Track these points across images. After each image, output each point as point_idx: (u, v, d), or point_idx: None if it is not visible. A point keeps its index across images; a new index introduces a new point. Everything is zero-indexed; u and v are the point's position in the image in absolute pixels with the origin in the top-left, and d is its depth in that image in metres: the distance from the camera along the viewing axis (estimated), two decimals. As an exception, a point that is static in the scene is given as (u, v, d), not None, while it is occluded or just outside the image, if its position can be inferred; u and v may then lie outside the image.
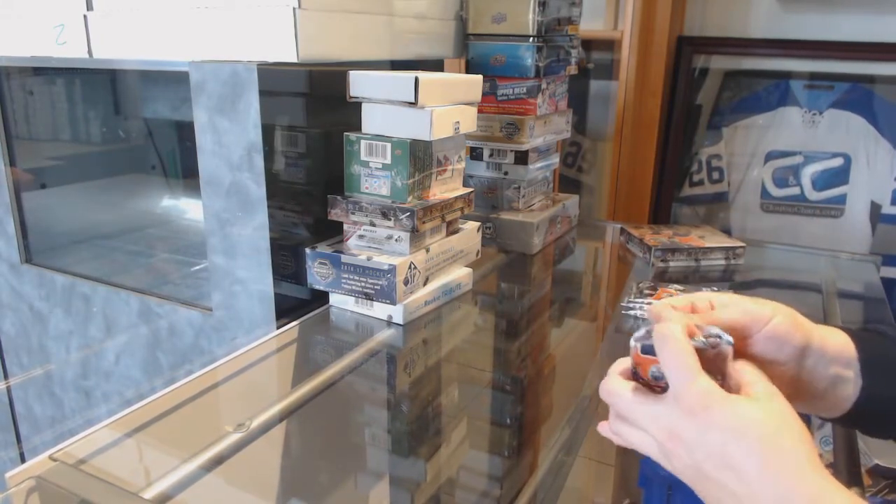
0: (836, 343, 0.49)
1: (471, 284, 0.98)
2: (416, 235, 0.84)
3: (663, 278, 1.05)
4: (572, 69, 1.20)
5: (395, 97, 0.82)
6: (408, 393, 0.76)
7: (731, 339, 0.44)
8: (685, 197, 1.76)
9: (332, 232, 0.90)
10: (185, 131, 1.30)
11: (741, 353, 0.47)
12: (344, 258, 0.84)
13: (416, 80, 0.80)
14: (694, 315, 0.47)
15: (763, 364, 0.47)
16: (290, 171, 0.86)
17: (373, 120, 0.85)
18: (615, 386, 0.45)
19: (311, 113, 0.89)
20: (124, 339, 1.04)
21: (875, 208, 1.58)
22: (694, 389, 0.41)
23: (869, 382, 0.48)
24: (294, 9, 0.74)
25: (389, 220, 0.84)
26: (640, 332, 0.44)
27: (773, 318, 0.47)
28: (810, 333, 0.48)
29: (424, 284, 0.88)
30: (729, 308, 0.48)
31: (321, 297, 0.90)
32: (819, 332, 0.49)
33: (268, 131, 0.81)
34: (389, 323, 0.87)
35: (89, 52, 0.90)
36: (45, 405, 1.21)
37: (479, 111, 1.01)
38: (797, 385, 0.49)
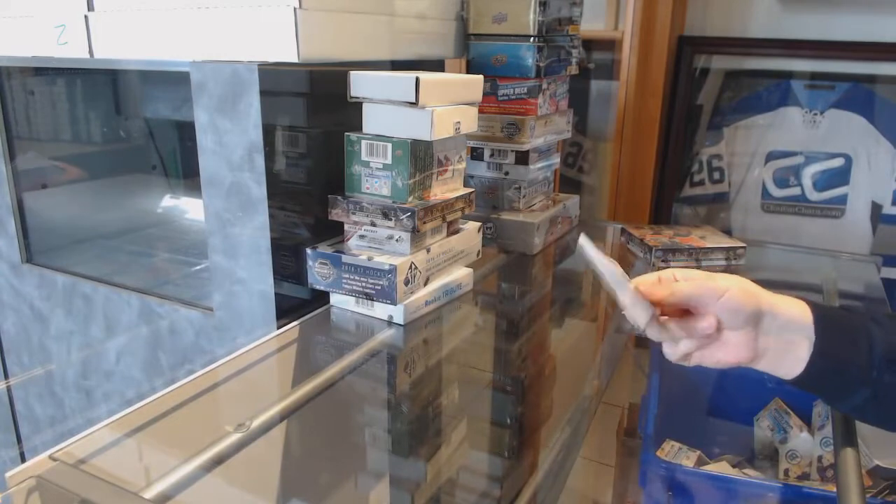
0: (790, 311, 0.55)
1: (471, 285, 0.98)
2: (416, 235, 0.84)
3: (664, 278, 1.05)
4: (573, 69, 1.20)
5: (396, 97, 0.82)
6: (408, 393, 0.77)
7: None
8: (686, 197, 1.75)
9: (333, 232, 0.90)
10: (185, 131, 1.30)
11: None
12: (345, 258, 0.84)
13: (417, 80, 0.80)
14: (659, 285, 0.55)
15: (723, 330, 0.55)
16: (291, 171, 0.86)
17: (373, 120, 0.85)
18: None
19: (312, 113, 0.89)
20: (125, 339, 1.04)
21: (876, 209, 1.58)
22: None
23: (820, 344, 0.54)
24: (295, 9, 0.74)
25: (390, 220, 0.84)
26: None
27: (727, 291, 0.54)
28: (760, 301, 0.55)
29: (425, 284, 0.88)
30: (689, 282, 0.55)
31: (322, 297, 0.90)
32: (769, 300, 0.56)
33: (268, 131, 0.81)
34: (390, 323, 0.87)
35: (90, 52, 0.90)
36: (46, 405, 1.21)
37: (480, 111, 1.01)
38: (756, 348, 0.55)
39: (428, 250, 0.87)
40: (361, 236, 0.87)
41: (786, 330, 0.55)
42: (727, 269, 1.13)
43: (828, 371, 0.54)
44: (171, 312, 0.97)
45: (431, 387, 0.78)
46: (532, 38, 1.07)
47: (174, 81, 1.23)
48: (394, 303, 0.83)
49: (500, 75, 1.10)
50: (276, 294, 0.85)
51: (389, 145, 0.83)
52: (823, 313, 0.55)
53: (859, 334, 0.55)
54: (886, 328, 0.55)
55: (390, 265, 0.81)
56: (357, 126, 0.86)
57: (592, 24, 1.72)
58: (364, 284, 0.84)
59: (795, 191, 1.65)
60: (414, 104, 0.81)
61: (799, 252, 1.31)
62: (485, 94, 1.08)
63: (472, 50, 1.11)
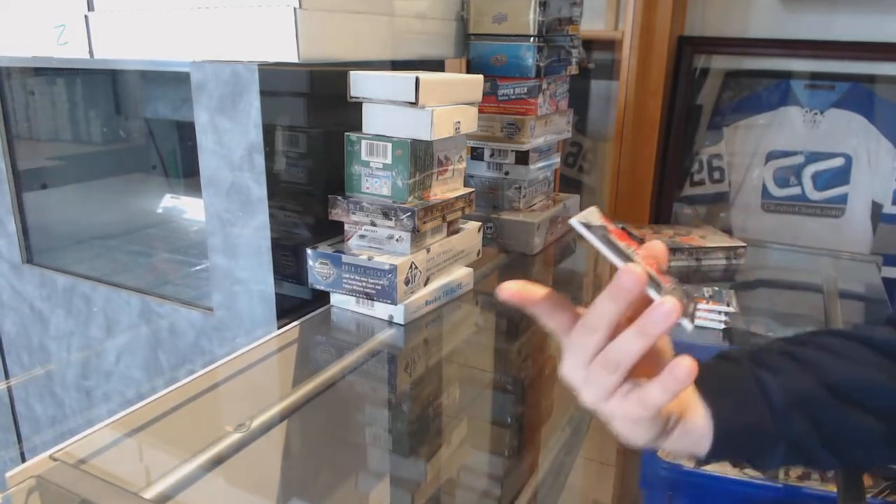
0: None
1: (471, 284, 0.98)
2: (416, 235, 0.84)
3: (664, 278, 1.05)
4: (573, 69, 1.20)
5: (396, 97, 0.82)
6: (408, 393, 0.76)
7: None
8: (686, 197, 1.75)
9: (333, 232, 0.90)
10: (185, 131, 1.30)
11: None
12: (345, 258, 0.84)
13: (417, 80, 0.80)
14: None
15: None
16: (291, 171, 0.86)
17: (373, 120, 0.85)
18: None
19: (312, 113, 0.89)
20: (125, 339, 1.04)
21: (876, 208, 1.58)
22: None
23: (717, 412, 0.46)
24: (295, 9, 0.74)
25: (390, 220, 0.84)
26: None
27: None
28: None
29: (425, 284, 0.88)
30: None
31: (322, 297, 0.90)
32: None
33: (269, 131, 0.81)
34: (390, 323, 0.87)
35: (90, 52, 0.90)
36: (46, 405, 1.21)
37: (480, 111, 1.01)
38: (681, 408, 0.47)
39: (428, 250, 0.87)
40: (361, 236, 0.87)
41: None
42: (728, 269, 1.13)
43: (736, 438, 0.47)
44: (171, 312, 0.97)
45: (432, 387, 0.78)
46: (532, 38, 1.06)
47: (174, 81, 1.23)
48: (394, 303, 0.83)
49: (500, 75, 1.10)
50: (277, 294, 0.85)
51: (389, 145, 0.83)
52: (704, 374, 0.43)
53: (751, 388, 0.48)
54: (774, 369, 0.49)
55: (390, 265, 0.81)
56: (357, 126, 0.86)
57: (592, 24, 1.72)
58: (364, 284, 0.84)
59: (796, 190, 1.65)
60: (414, 104, 0.81)
61: (799, 252, 1.31)
62: (485, 94, 1.07)
63: (472, 50, 1.11)
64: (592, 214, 0.41)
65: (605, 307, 0.40)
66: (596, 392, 0.42)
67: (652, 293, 0.39)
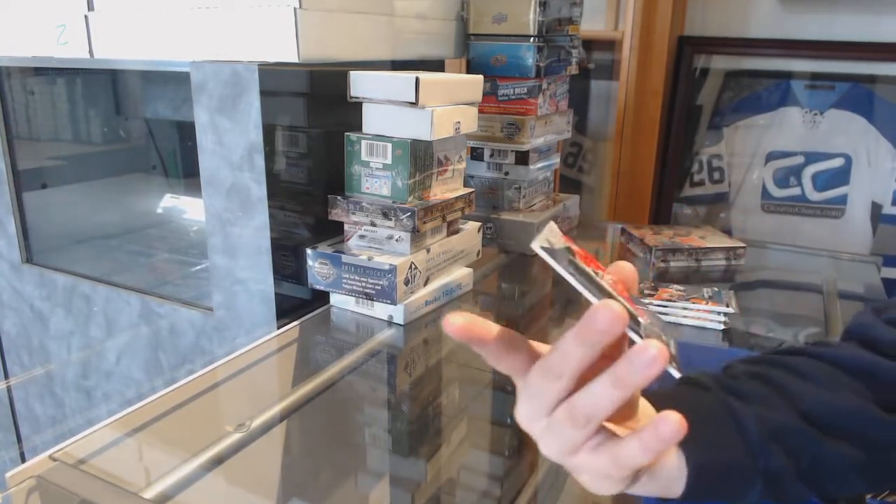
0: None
1: (471, 285, 0.98)
2: (416, 235, 0.84)
3: (664, 279, 1.05)
4: (573, 69, 1.20)
5: (396, 97, 0.82)
6: (408, 393, 0.77)
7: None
8: (686, 197, 1.76)
9: (333, 232, 0.90)
10: (185, 131, 1.30)
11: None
12: (345, 258, 0.84)
13: (417, 80, 0.80)
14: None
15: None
16: (291, 171, 0.86)
17: (373, 120, 0.85)
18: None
19: (312, 113, 0.89)
20: (125, 339, 1.04)
21: (876, 209, 1.58)
22: None
23: (691, 452, 0.41)
24: (295, 9, 0.74)
25: (390, 220, 0.84)
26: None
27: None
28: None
29: (425, 284, 0.88)
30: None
31: (322, 297, 0.90)
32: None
33: (269, 131, 0.81)
34: (390, 323, 0.87)
35: (90, 52, 0.90)
36: (46, 405, 1.21)
37: (480, 111, 1.01)
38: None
39: (428, 250, 0.88)
40: (361, 236, 0.87)
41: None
42: (727, 269, 1.13)
43: (712, 479, 0.42)
44: (171, 312, 0.97)
45: (431, 387, 0.78)
46: (532, 38, 1.07)
47: (174, 81, 1.23)
48: (394, 303, 0.83)
49: (500, 75, 1.10)
50: (276, 294, 0.85)
51: (389, 145, 0.83)
52: (672, 407, 0.35)
53: (725, 422, 0.43)
54: (746, 396, 0.44)
55: (390, 265, 0.81)
56: (357, 126, 0.86)
57: (592, 24, 1.72)
58: (364, 284, 0.84)
59: (795, 191, 1.65)
60: (414, 104, 0.81)
61: (799, 252, 1.31)
62: (485, 94, 1.07)
63: (472, 50, 1.11)
64: (553, 234, 0.34)
65: (573, 350, 0.33)
66: (559, 446, 0.37)
67: (633, 334, 0.32)
